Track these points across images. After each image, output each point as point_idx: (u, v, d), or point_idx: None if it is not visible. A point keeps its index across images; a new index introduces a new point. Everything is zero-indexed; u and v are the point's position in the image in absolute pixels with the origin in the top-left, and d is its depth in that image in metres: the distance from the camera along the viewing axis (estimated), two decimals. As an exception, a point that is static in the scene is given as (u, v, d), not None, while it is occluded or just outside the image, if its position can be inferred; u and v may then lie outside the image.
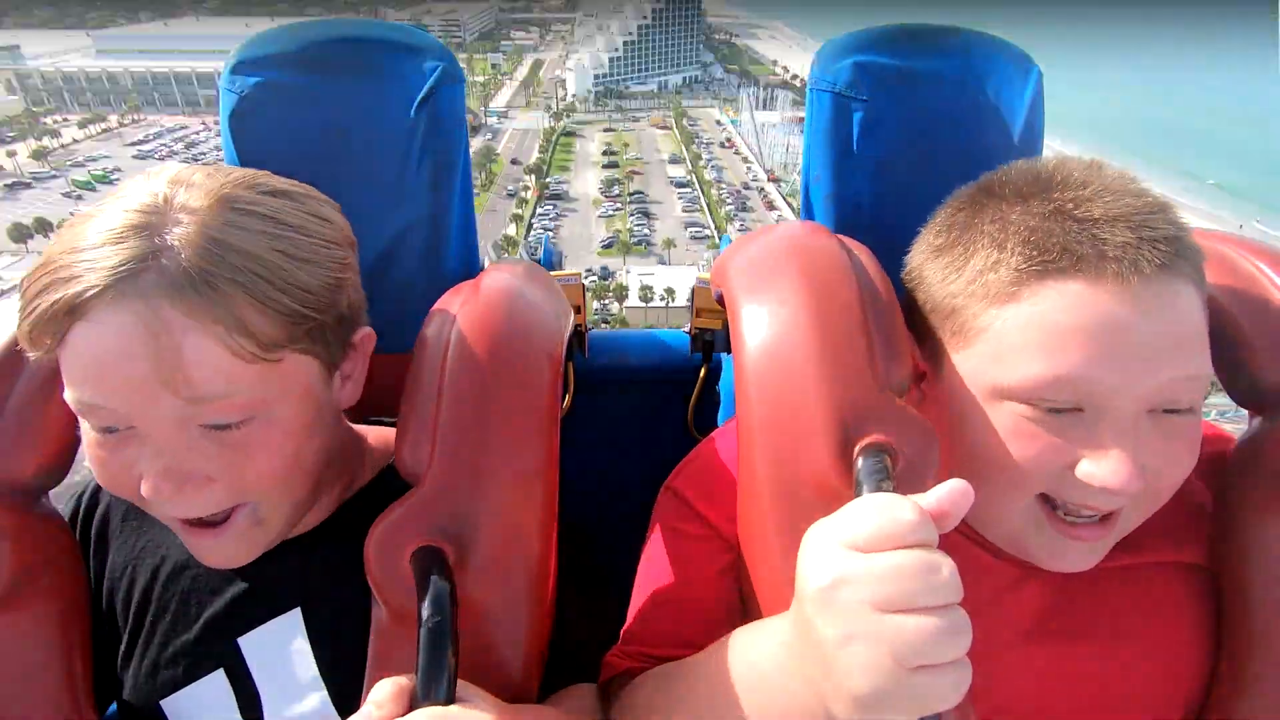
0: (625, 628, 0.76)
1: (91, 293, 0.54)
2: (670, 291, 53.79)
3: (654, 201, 76.61)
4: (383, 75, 0.86)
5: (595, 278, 57.96)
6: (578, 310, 1.02)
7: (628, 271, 59.65)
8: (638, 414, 1.28)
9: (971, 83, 0.87)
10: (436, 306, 0.74)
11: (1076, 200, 0.61)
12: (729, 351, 0.81)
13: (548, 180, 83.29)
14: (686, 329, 1.19)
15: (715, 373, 1.18)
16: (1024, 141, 0.89)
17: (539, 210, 75.35)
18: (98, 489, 0.80)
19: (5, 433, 0.68)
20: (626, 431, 1.26)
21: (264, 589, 0.73)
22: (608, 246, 65.57)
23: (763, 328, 0.67)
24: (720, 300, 0.78)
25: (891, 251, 0.77)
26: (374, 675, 0.63)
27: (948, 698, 0.45)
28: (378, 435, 0.81)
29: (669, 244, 65.21)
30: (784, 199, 75.81)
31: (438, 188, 0.90)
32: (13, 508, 0.67)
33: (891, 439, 0.59)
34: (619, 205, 75.03)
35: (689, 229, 70.91)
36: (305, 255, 0.62)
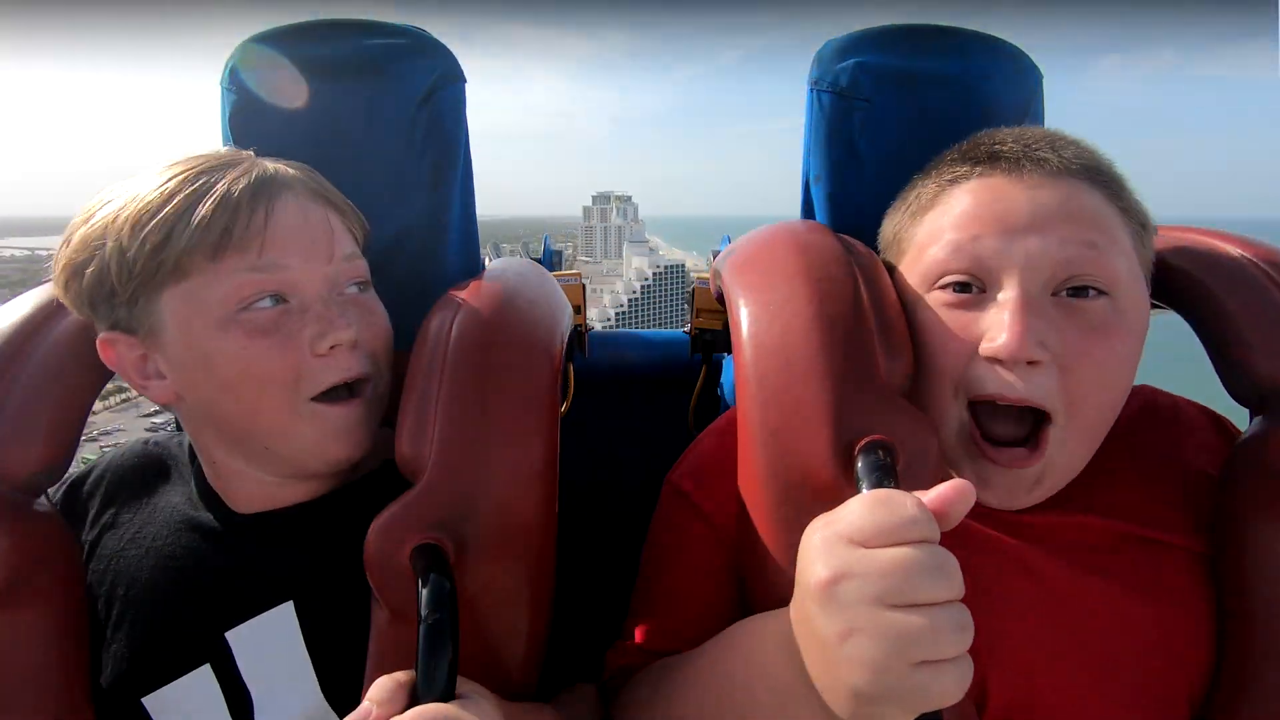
0: (626, 624, 0.76)
1: (273, 184, 0.68)
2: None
3: None
4: (383, 74, 0.86)
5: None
6: (577, 310, 1.02)
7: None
8: (638, 414, 1.28)
9: (971, 83, 0.87)
10: (436, 305, 0.74)
11: (998, 138, 0.70)
12: (729, 351, 0.81)
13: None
14: (687, 329, 1.19)
15: (715, 373, 1.18)
16: None
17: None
18: (83, 480, 0.79)
19: (5, 429, 0.68)
20: (626, 431, 1.26)
21: (254, 581, 0.72)
22: None
23: (763, 326, 0.67)
24: (720, 299, 0.78)
25: (892, 250, 0.77)
26: (373, 672, 0.62)
27: (949, 694, 0.45)
28: (384, 434, 0.81)
29: None
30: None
31: (438, 187, 0.90)
32: (11, 505, 0.67)
33: (892, 436, 0.59)
34: None
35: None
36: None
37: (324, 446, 0.70)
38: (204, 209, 0.64)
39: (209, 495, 0.76)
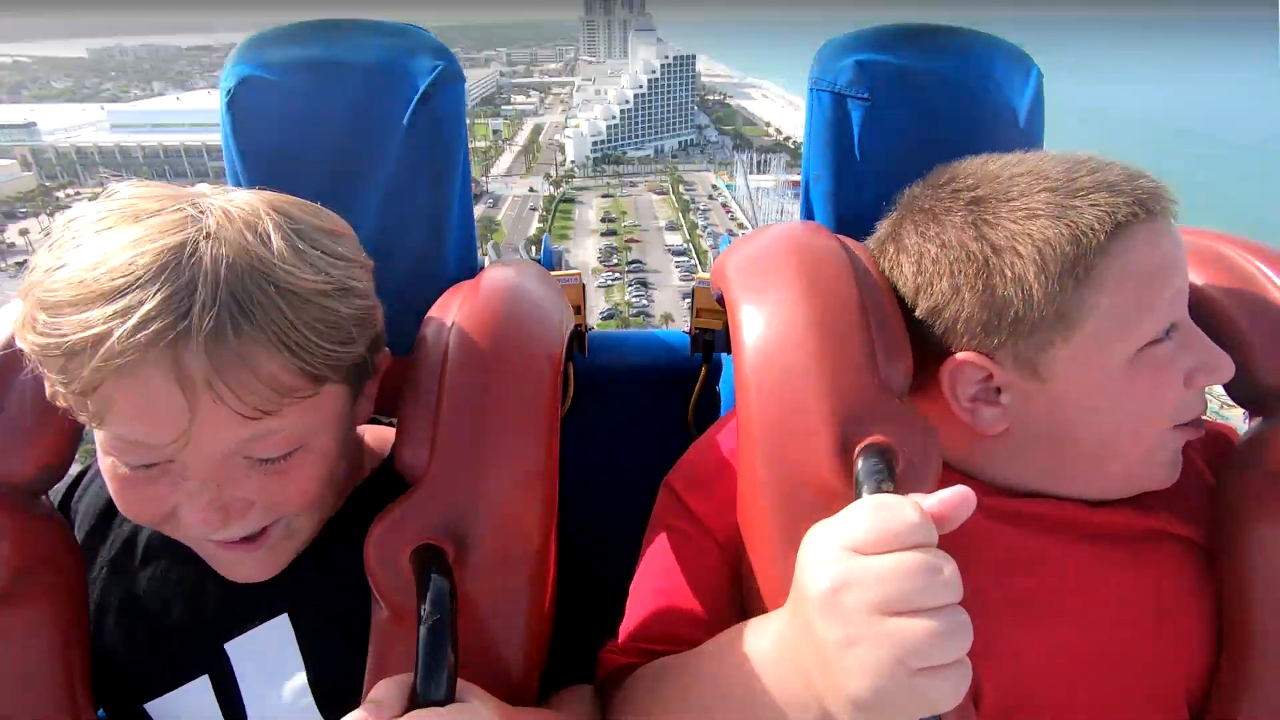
0: (623, 624, 0.76)
1: (125, 355, 0.51)
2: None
3: (652, 270, 74.51)
4: (382, 74, 0.86)
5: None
6: (577, 310, 1.02)
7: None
8: (638, 414, 1.28)
9: (972, 82, 0.87)
10: (436, 306, 0.74)
11: (1090, 175, 0.65)
12: (729, 352, 0.81)
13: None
14: (686, 329, 1.19)
15: (715, 373, 1.18)
16: (1024, 141, 0.89)
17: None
18: (78, 481, 0.78)
19: (5, 430, 0.68)
20: (626, 431, 1.26)
21: (254, 593, 0.70)
22: (608, 318, 64.13)
23: (763, 327, 0.67)
24: (720, 300, 0.78)
25: (891, 250, 0.77)
26: (374, 675, 0.62)
27: (949, 699, 0.45)
28: (373, 435, 0.80)
29: (667, 319, 62.94)
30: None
31: (437, 187, 0.90)
32: (12, 506, 0.67)
33: (892, 439, 0.59)
34: (618, 274, 73.04)
35: (685, 299, 66.88)
36: (346, 286, 0.61)
37: (221, 569, 0.66)
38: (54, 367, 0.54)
39: None
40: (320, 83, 0.84)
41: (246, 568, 0.66)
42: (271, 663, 0.70)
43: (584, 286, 1.10)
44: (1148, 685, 0.67)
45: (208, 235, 0.55)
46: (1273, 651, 0.65)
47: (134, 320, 0.51)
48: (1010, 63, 0.89)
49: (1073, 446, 0.68)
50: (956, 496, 0.47)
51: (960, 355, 0.68)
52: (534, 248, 1.43)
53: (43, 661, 0.68)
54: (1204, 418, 0.71)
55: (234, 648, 0.71)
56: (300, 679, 0.70)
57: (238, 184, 0.86)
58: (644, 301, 67.60)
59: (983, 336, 0.67)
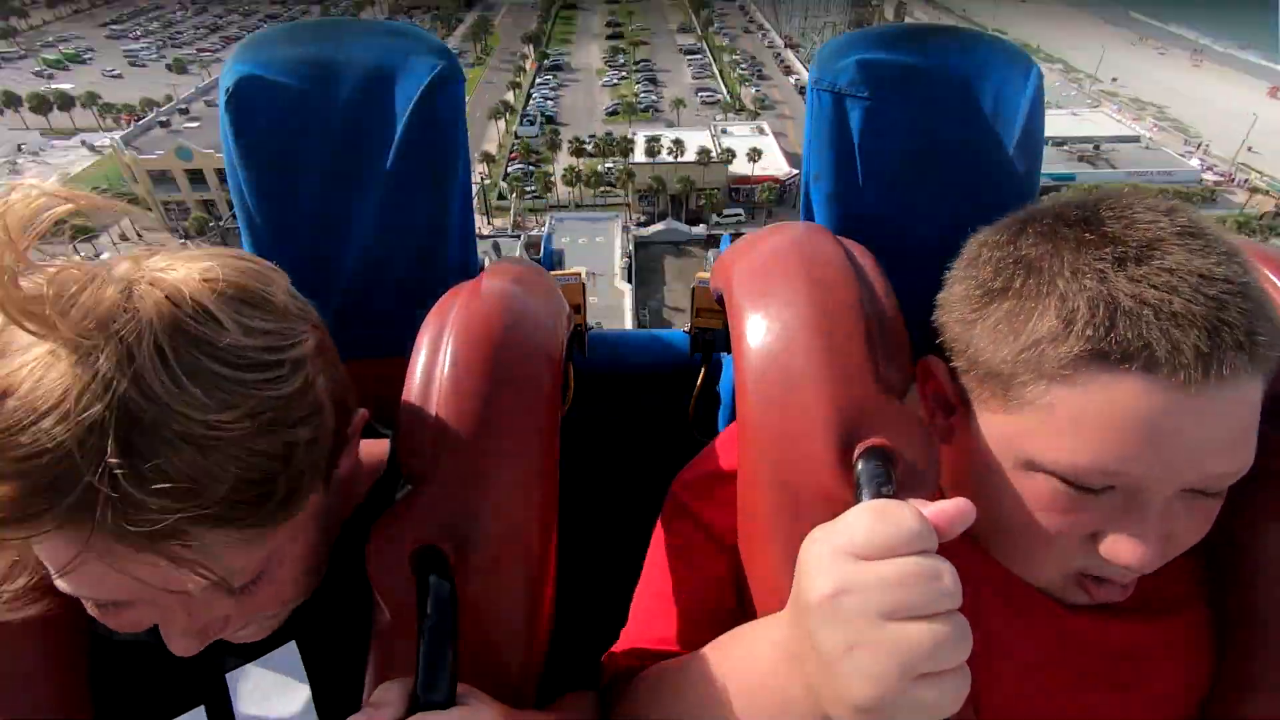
0: (625, 628, 0.76)
1: (42, 537, 0.49)
2: (678, 143, 48.40)
3: (662, 69, 69.79)
4: (382, 73, 0.86)
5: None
6: (577, 310, 1.02)
7: (634, 135, 52.69)
8: (638, 414, 1.28)
9: (972, 82, 0.87)
10: (435, 307, 0.74)
11: (1159, 283, 0.54)
12: (729, 351, 0.81)
13: (547, 51, 76.05)
14: (686, 329, 1.19)
15: (715, 373, 1.18)
16: (1024, 141, 0.89)
17: (538, 80, 68.64)
18: None
19: None
20: (626, 431, 1.26)
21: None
22: (613, 113, 59.60)
23: (763, 329, 0.67)
24: (720, 301, 0.78)
25: (892, 251, 0.77)
26: (376, 678, 0.62)
27: (948, 705, 0.45)
28: (365, 452, 0.76)
29: (679, 103, 59.18)
30: (801, 64, 69.38)
31: (436, 187, 0.89)
32: None
33: (892, 442, 0.59)
34: (624, 74, 68.69)
35: (699, 94, 64.52)
36: (291, 416, 0.53)
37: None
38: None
39: None
40: (320, 83, 0.84)
41: (240, 637, 0.66)
42: (275, 694, 0.69)
43: (584, 286, 1.10)
44: (1149, 689, 0.67)
45: (121, 392, 0.47)
46: (1274, 656, 0.65)
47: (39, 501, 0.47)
48: (1010, 62, 0.89)
49: (996, 503, 0.63)
50: (956, 508, 0.47)
51: (931, 360, 0.68)
52: (533, 249, 1.42)
53: (41, 665, 0.68)
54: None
55: (235, 678, 0.69)
56: (304, 697, 0.68)
57: (237, 183, 0.86)
58: (653, 97, 64.02)
59: (955, 352, 0.66)
